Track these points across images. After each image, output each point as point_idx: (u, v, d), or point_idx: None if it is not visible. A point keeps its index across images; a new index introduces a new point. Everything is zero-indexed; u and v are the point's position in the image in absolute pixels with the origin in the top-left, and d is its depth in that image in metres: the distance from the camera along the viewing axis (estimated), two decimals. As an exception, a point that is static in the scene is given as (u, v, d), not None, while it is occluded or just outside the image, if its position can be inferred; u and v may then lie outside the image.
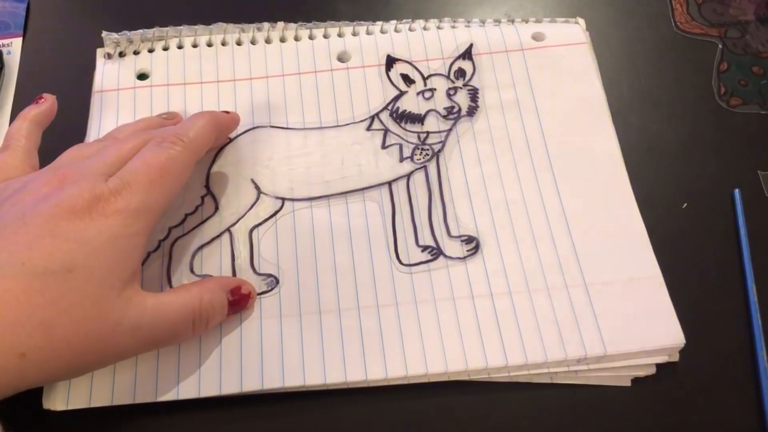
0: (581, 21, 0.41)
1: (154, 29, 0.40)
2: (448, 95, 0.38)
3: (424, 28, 0.40)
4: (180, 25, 0.40)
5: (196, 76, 0.39)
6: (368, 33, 0.40)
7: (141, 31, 0.40)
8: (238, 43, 0.40)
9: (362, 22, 0.41)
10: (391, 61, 0.39)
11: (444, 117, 0.37)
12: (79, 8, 0.44)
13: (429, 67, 0.39)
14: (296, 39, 0.40)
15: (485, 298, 0.33)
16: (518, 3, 0.44)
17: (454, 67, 0.39)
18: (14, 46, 0.42)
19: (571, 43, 0.40)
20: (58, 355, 0.24)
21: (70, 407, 0.30)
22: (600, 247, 0.34)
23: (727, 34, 0.43)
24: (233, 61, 0.39)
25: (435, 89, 0.38)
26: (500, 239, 0.34)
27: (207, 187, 0.35)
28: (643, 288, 0.33)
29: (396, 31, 0.40)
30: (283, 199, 0.35)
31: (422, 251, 0.34)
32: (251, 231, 0.34)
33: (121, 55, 0.39)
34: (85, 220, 0.25)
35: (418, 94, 0.38)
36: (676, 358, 0.32)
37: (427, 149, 0.37)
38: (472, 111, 0.38)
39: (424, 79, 0.39)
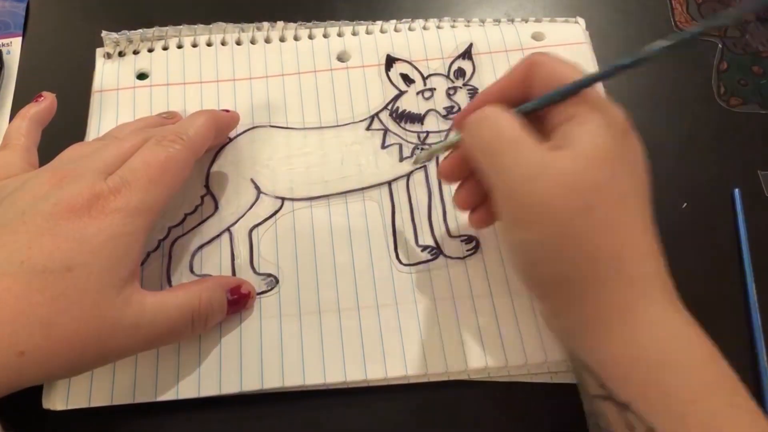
0: (581, 21, 0.41)
1: (153, 29, 0.40)
2: (448, 95, 0.38)
3: (424, 28, 0.40)
4: (180, 24, 0.40)
5: (196, 75, 0.39)
6: (368, 33, 0.40)
7: (141, 30, 0.40)
8: (238, 43, 0.40)
9: (362, 21, 0.41)
10: (390, 61, 0.39)
11: (444, 117, 0.37)
12: (79, 8, 0.44)
13: (429, 66, 0.39)
14: (296, 39, 0.40)
15: (485, 298, 0.33)
16: (518, 3, 0.44)
17: (454, 67, 0.39)
18: (14, 46, 0.42)
19: (570, 42, 0.40)
20: (58, 354, 0.24)
21: (70, 407, 0.30)
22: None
23: (727, 34, 0.43)
24: (233, 60, 0.39)
25: (435, 89, 0.38)
26: (500, 239, 0.34)
27: (207, 186, 0.35)
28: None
29: (396, 30, 0.40)
30: (283, 199, 0.35)
31: (422, 251, 0.34)
32: (251, 231, 0.34)
33: (121, 54, 0.39)
34: (84, 218, 0.25)
35: (417, 93, 0.38)
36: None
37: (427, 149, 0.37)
38: (471, 111, 0.38)
39: (424, 78, 0.39)
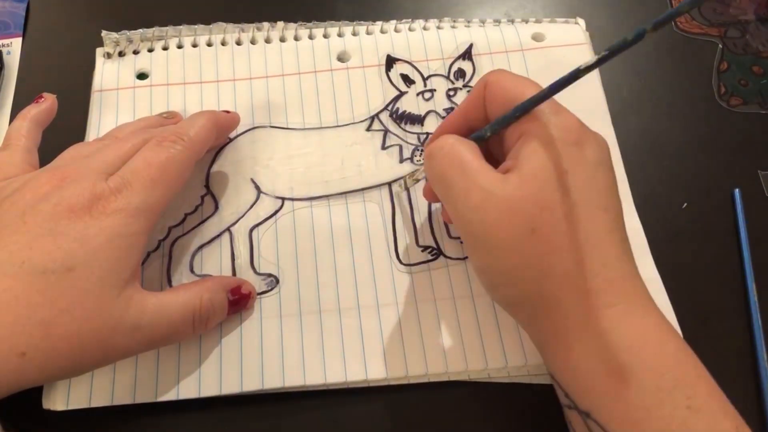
0: (581, 21, 0.41)
1: (153, 29, 0.40)
2: (448, 96, 0.38)
3: (424, 28, 0.40)
4: (180, 24, 0.40)
5: (196, 75, 0.39)
6: (368, 33, 0.40)
7: (141, 30, 0.40)
8: (238, 43, 0.40)
9: (362, 22, 0.41)
10: (391, 61, 0.39)
11: (444, 118, 0.37)
12: (79, 8, 0.44)
13: (429, 67, 0.39)
14: (296, 39, 0.40)
15: (485, 298, 0.33)
16: (518, 3, 0.44)
17: (454, 68, 0.39)
18: (14, 46, 0.42)
19: (571, 43, 0.40)
20: (58, 354, 0.24)
21: (70, 407, 0.30)
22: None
23: (727, 34, 0.43)
24: (233, 60, 0.39)
25: (435, 90, 0.38)
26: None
27: (207, 186, 0.35)
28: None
29: (396, 31, 0.40)
30: (283, 199, 0.35)
31: (422, 251, 0.34)
32: (251, 231, 0.34)
33: (121, 54, 0.39)
34: (85, 219, 0.25)
35: (418, 94, 0.38)
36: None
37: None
38: (472, 111, 0.38)
39: (424, 79, 0.39)
